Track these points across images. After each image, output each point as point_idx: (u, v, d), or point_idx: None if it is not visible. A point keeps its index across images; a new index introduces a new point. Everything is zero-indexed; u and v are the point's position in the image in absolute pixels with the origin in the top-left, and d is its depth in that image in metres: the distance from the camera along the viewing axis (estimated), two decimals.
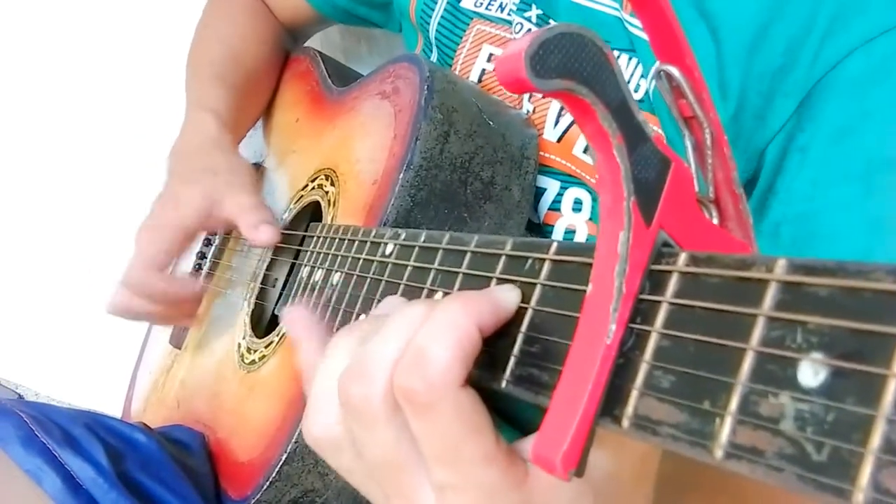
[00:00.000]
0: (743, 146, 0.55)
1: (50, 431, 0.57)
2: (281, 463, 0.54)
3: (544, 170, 0.64)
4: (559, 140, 0.63)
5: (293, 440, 0.53)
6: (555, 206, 0.64)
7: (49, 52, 1.29)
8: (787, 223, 0.53)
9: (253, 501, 0.55)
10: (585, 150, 0.62)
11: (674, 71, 0.29)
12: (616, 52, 0.60)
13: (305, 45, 0.98)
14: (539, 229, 0.64)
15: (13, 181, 1.34)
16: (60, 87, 1.29)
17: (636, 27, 0.59)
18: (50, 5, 1.28)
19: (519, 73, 0.25)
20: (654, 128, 0.58)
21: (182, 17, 0.94)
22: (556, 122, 0.64)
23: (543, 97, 0.64)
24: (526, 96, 0.66)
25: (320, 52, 0.90)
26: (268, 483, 0.54)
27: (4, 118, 1.32)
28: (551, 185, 0.64)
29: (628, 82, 0.60)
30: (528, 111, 0.65)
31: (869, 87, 0.50)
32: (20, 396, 1.30)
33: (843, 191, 0.50)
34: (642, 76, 0.59)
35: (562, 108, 0.64)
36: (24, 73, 1.31)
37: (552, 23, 0.65)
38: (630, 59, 0.60)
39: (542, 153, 0.64)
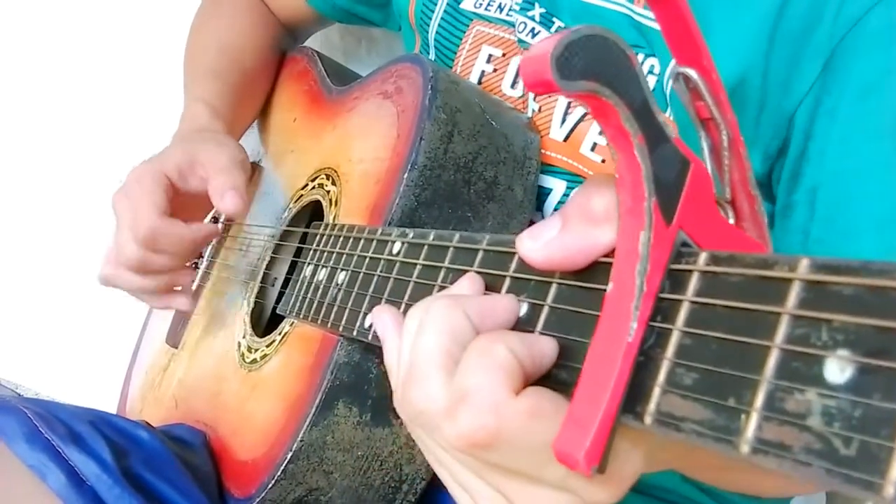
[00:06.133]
0: (771, 114, 0.55)
1: (54, 428, 0.57)
2: (286, 461, 0.54)
3: (551, 169, 0.64)
4: (566, 139, 0.64)
5: (298, 439, 0.53)
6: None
7: (52, 54, 1.28)
8: (823, 186, 0.53)
9: (257, 500, 0.55)
10: (593, 149, 0.62)
11: (692, 73, 0.29)
12: None
13: (303, 44, 0.98)
14: None
15: (12, 182, 1.33)
16: (59, 86, 1.28)
17: (647, 18, 0.59)
18: (50, 5, 1.27)
19: (545, 75, 0.25)
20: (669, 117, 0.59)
21: (180, 14, 0.93)
22: (563, 121, 0.64)
23: (567, 98, 0.65)
24: (531, 96, 0.66)
25: (318, 52, 0.90)
26: (273, 482, 0.54)
27: (3, 118, 1.32)
28: (557, 185, 0.64)
29: None
30: (533, 111, 0.66)
31: (891, 41, 0.50)
32: (19, 396, 1.29)
33: (874, 148, 0.50)
34: (650, 72, 0.60)
35: (568, 107, 0.64)
36: (25, 74, 1.30)
37: (556, 21, 0.65)
38: (637, 55, 0.60)
39: (548, 153, 0.64)
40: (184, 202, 0.69)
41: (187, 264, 0.72)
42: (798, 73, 0.53)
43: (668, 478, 0.65)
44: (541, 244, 0.31)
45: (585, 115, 0.63)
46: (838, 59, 0.52)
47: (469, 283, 0.37)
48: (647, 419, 0.26)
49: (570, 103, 0.64)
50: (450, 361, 0.30)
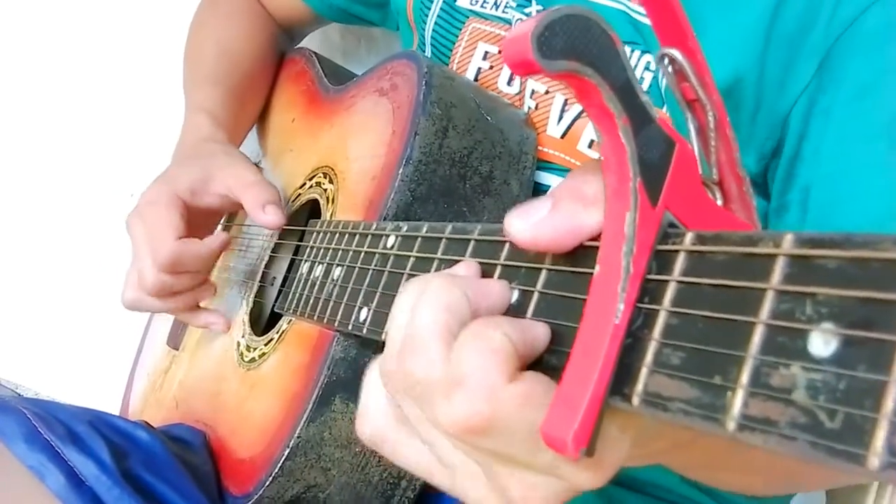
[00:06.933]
0: (766, 114, 0.55)
1: (53, 428, 0.57)
2: (283, 458, 0.54)
3: (548, 166, 0.64)
4: (563, 136, 0.63)
5: (295, 435, 0.53)
6: None
7: (52, 56, 1.29)
8: (816, 186, 0.53)
9: (255, 497, 0.55)
10: (590, 146, 0.62)
11: (676, 54, 0.29)
12: None
13: (301, 45, 0.98)
14: None
15: (13, 181, 1.33)
16: (60, 88, 1.29)
17: (643, 15, 0.59)
18: (50, 5, 1.28)
19: (525, 55, 0.25)
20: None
21: (181, 15, 0.93)
22: (560, 118, 0.64)
23: (549, 80, 0.64)
24: (528, 93, 0.66)
25: (315, 53, 0.90)
26: (270, 478, 0.54)
27: (4, 118, 1.32)
28: (555, 182, 0.64)
29: None
30: (529, 108, 0.66)
31: (886, 42, 0.50)
32: (19, 396, 1.29)
33: (868, 149, 0.50)
34: (646, 68, 0.59)
35: (565, 104, 0.64)
36: (26, 76, 1.31)
37: None
38: (633, 51, 0.60)
39: (546, 150, 0.64)
40: (191, 219, 0.69)
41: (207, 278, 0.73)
42: (793, 73, 0.53)
43: (668, 478, 0.64)
44: (529, 224, 0.31)
45: (582, 112, 0.63)
46: (833, 59, 0.52)
47: (465, 267, 0.37)
48: (635, 400, 0.26)
49: (566, 100, 0.64)
50: (449, 336, 0.30)
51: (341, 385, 0.54)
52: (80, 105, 1.28)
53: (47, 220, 1.31)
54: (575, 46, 0.26)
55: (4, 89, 1.32)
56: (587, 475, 0.28)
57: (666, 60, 0.29)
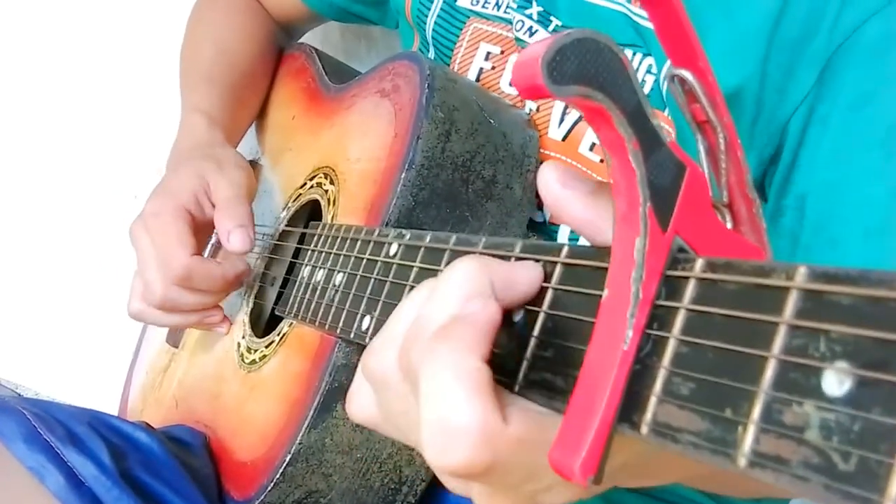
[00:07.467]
0: (766, 120, 0.55)
1: (53, 429, 0.57)
2: (285, 464, 0.54)
3: None
4: (564, 139, 0.63)
5: (297, 441, 0.53)
6: None
7: (51, 55, 1.28)
8: (812, 194, 0.53)
9: (257, 502, 0.55)
10: (591, 148, 0.62)
11: (687, 75, 0.29)
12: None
13: (301, 41, 0.97)
14: (544, 229, 0.64)
15: (12, 182, 1.33)
16: (59, 87, 1.28)
17: (644, 17, 0.59)
18: (51, 6, 1.27)
19: (535, 80, 0.25)
20: (665, 126, 0.58)
21: (182, 16, 0.92)
22: (561, 121, 0.63)
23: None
24: None
25: (316, 49, 0.89)
26: (272, 484, 0.54)
27: (6, 119, 1.31)
28: None
29: None
30: (531, 110, 0.65)
31: (887, 52, 0.50)
32: (19, 396, 1.29)
33: (865, 158, 0.50)
34: (648, 71, 0.59)
35: (566, 107, 0.63)
36: (26, 75, 1.30)
37: (553, 19, 0.65)
38: (634, 54, 0.60)
39: (547, 152, 0.64)
40: (196, 229, 0.68)
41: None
42: (794, 81, 0.53)
43: None
44: (563, 186, 0.30)
45: None
46: (834, 68, 0.52)
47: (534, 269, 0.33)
48: (644, 429, 0.26)
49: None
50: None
51: (343, 392, 0.53)
52: (82, 106, 1.27)
53: (48, 221, 1.31)
54: (586, 71, 0.25)
55: (6, 90, 1.31)
56: (571, 493, 0.29)
57: (676, 81, 0.29)
